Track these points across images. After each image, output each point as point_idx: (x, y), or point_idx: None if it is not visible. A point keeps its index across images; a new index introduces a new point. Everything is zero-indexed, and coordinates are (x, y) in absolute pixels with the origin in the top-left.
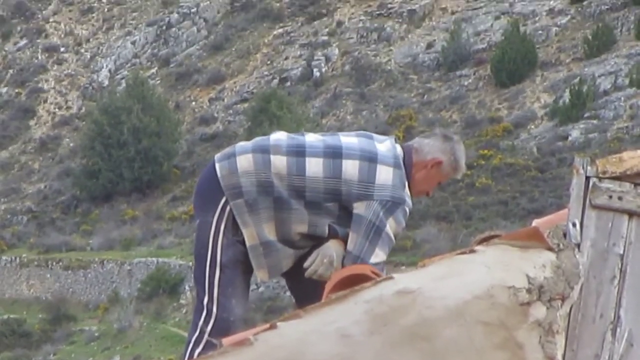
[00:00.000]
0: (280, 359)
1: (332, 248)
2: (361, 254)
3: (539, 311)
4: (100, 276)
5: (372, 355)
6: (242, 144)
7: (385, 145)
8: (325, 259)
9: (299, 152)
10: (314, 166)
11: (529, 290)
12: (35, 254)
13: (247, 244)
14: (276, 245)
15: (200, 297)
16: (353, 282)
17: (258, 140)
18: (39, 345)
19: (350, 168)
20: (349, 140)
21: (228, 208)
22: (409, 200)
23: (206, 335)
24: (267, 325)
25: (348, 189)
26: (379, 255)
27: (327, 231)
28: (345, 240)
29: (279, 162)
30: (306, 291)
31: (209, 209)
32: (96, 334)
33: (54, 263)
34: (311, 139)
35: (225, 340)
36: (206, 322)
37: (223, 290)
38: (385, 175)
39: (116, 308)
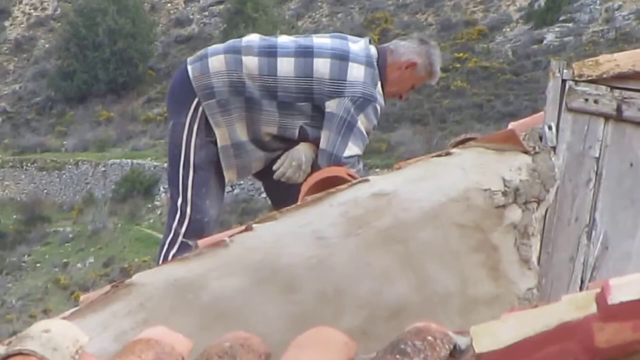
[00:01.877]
0: (255, 261)
1: (301, 151)
2: (334, 150)
3: (514, 214)
4: (75, 177)
5: (347, 257)
6: (214, 46)
7: (358, 45)
8: (293, 162)
9: (270, 52)
10: (286, 66)
11: (504, 193)
12: (10, 154)
13: (219, 144)
14: (247, 146)
15: (174, 198)
16: (329, 184)
17: (230, 42)
18: (13, 246)
19: (322, 66)
20: (321, 40)
21: (200, 109)
22: (380, 99)
23: (180, 237)
24: (243, 227)
25: (320, 87)
26: (352, 149)
27: (297, 133)
28: (316, 144)
29: (251, 62)
30: (282, 193)
31: (182, 111)
32: (70, 235)
33: (29, 164)
34: (283, 40)
35: (201, 242)
36: (180, 223)
37: (197, 191)
38: (356, 72)
39: (90, 209)
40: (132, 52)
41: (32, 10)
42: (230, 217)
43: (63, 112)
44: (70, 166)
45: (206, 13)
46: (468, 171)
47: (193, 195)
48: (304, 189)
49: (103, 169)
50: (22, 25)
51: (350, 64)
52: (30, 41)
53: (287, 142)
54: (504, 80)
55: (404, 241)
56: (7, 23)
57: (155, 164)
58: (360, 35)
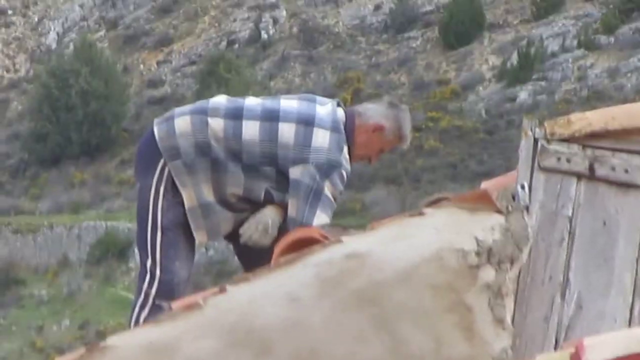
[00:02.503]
0: (229, 323)
1: (267, 215)
2: (303, 219)
3: (488, 274)
4: (50, 240)
5: (322, 318)
6: (181, 108)
7: (325, 109)
8: (260, 225)
9: (236, 115)
10: (251, 129)
11: (477, 253)
12: None
13: (186, 205)
14: (215, 207)
15: (143, 260)
16: (302, 246)
17: (197, 103)
18: None
19: (287, 131)
20: (288, 103)
21: (167, 170)
22: (346, 164)
23: (151, 299)
24: (217, 289)
25: (284, 153)
26: (321, 218)
27: (262, 196)
28: (282, 206)
29: (216, 124)
30: (252, 256)
31: (148, 173)
32: (46, 298)
33: (3, 227)
34: (251, 102)
35: (175, 304)
36: (150, 285)
37: (165, 252)
38: (321, 138)
39: (65, 272)
40: (105, 114)
41: (4, 73)
42: (205, 279)
43: (37, 174)
44: (44, 229)
45: (179, 74)
46: (441, 231)
47: (162, 257)
48: (277, 250)
49: (77, 231)
50: None
51: (315, 129)
52: (2, 103)
53: (253, 204)
54: (477, 140)
55: (378, 302)
56: None
57: (129, 225)
58: (332, 96)
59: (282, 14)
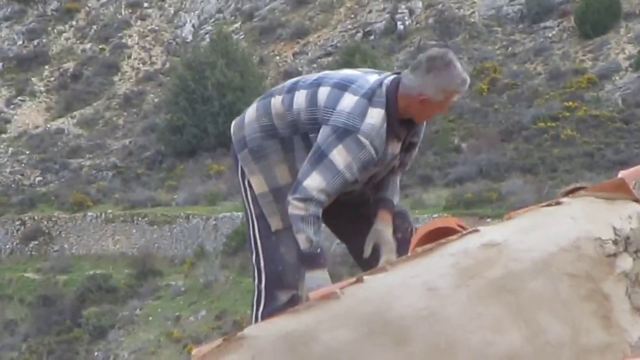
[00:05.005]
0: (366, 312)
1: (388, 234)
2: (299, 177)
3: (625, 262)
4: (186, 231)
5: (459, 308)
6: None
7: (372, 77)
8: (388, 247)
9: (293, 88)
10: (300, 98)
11: (615, 242)
12: (121, 209)
13: (256, 192)
14: (286, 190)
15: (251, 257)
16: (439, 235)
17: (267, 91)
18: (125, 300)
19: (322, 93)
20: (344, 71)
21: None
22: (368, 131)
23: (263, 293)
24: (354, 279)
25: (321, 116)
26: (314, 180)
27: None
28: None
29: (277, 102)
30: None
31: (236, 171)
32: (182, 289)
33: (140, 218)
34: (311, 75)
35: (313, 294)
36: (259, 279)
37: (265, 241)
38: (347, 102)
39: (202, 263)
40: (241, 105)
41: (140, 65)
42: (342, 269)
43: (173, 166)
44: (181, 220)
45: (315, 65)
46: (578, 220)
47: (263, 247)
48: (414, 240)
49: (214, 222)
50: (131, 80)
51: (346, 93)
52: (139, 96)
53: None
54: (614, 129)
55: (514, 291)
56: (116, 78)
57: None
58: (470, 86)
59: (418, 4)
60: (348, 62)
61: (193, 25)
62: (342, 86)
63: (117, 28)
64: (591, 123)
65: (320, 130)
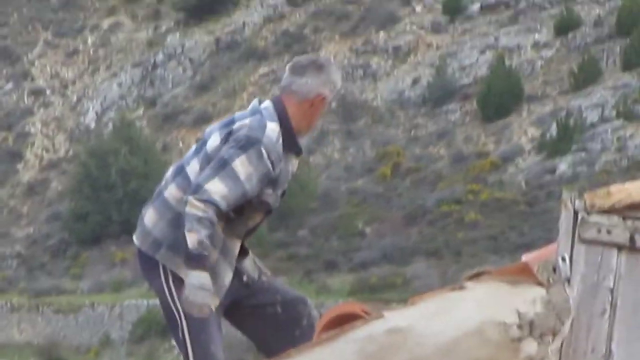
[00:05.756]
0: None
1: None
2: (199, 181)
3: (530, 347)
4: (92, 319)
5: None
6: (145, 206)
7: (245, 111)
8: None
9: (179, 170)
10: (194, 167)
11: (519, 326)
12: (26, 298)
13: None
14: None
15: (183, 357)
16: (344, 321)
17: (155, 192)
18: None
19: (214, 141)
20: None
21: (160, 263)
22: (267, 143)
23: None
24: None
25: (220, 147)
26: (216, 186)
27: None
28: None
29: (172, 190)
30: (272, 339)
31: (155, 276)
32: None
33: (45, 307)
34: (191, 150)
35: None
36: None
37: (196, 339)
38: (241, 123)
39: (107, 351)
40: (145, 192)
41: (44, 153)
42: (247, 356)
43: (77, 254)
44: (86, 308)
45: None
46: (482, 304)
47: (194, 345)
48: (319, 326)
49: (119, 310)
50: (35, 168)
51: (236, 123)
52: (43, 183)
53: (238, 234)
54: (517, 212)
55: None
56: (19, 166)
57: None
58: (372, 170)
59: None
60: None
61: (96, 112)
62: (228, 123)
63: (20, 116)
64: (495, 206)
65: (219, 145)
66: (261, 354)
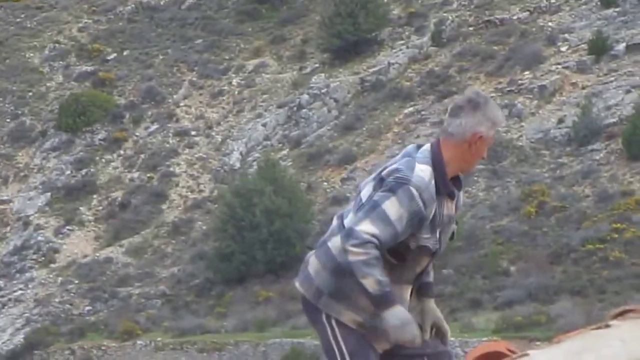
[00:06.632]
0: None
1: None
2: (351, 224)
3: None
4: (235, 358)
5: None
6: (309, 253)
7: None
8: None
9: (340, 220)
10: (351, 216)
11: None
12: (170, 337)
13: (353, 326)
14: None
15: None
16: (489, 359)
17: (319, 241)
18: None
19: (367, 189)
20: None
21: (323, 309)
22: (418, 183)
23: None
24: None
25: (371, 195)
26: (367, 227)
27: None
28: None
29: (336, 240)
30: None
31: (316, 319)
32: None
33: (189, 346)
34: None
35: None
36: None
37: None
38: (391, 165)
39: None
40: (290, 232)
41: (188, 193)
42: None
43: (222, 293)
44: (230, 347)
45: None
46: (628, 343)
47: None
48: None
49: (263, 348)
50: (179, 208)
51: (388, 166)
52: (187, 223)
53: (405, 284)
54: None
55: None
56: (164, 206)
57: (315, 342)
58: (517, 209)
59: None
60: None
61: (241, 153)
62: (379, 172)
63: (165, 156)
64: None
65: (370, 191)
66: None
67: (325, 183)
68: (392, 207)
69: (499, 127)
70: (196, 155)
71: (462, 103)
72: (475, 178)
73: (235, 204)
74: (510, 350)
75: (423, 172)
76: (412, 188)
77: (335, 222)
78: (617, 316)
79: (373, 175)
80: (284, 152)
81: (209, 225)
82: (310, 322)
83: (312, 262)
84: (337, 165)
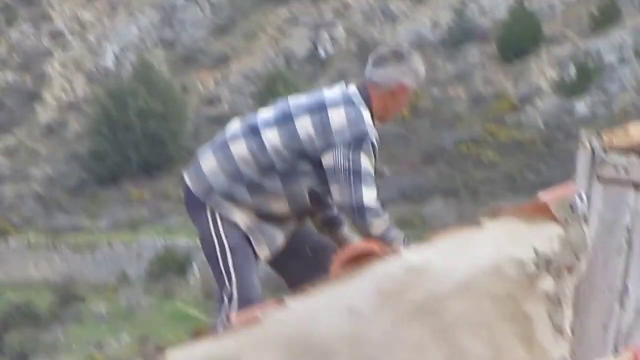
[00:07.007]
0: (289, 336)
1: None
2: (352, 201)
3: (546, 283)
4: (109, 257)
5: (381, 331)
6: (202, 147)
7: (333, 90)
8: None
9: (254, 131)
10: (271, 137)
11: (536, 263)
12: (43, 236)
13: (242, 227)
14: (264, 224)
15: (220, 291)
16: (362, 259)
17: (215, 138)
18: (48, 326)
19: (304, 126)
20: (296, 100)
21: (210, 205)
22: (371, 131)
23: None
24: (276, 303)
25: (311, 145)
26: (369, 194)
27: (306, 197)
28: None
29: (240, 147)
30: (297, 278)
31: (199, 214)
32: (105, 314)
33: (62, 245)
34: (262, 113)
35: (234, 319)
36: (230, 306)
37: (240, 271)
38: (338, 117)
39: (124, 288)
40: (163, 132)
41: (62, 94)
42: (264, 292)
43: (95, 193)
44: (103, 246)
45: (236, 92)
46: (500, 242)
47: (237, 276)
48: (336, 263)
49: (136, 248)
50: (54, 109)
51: (328, 111)
52: (61, 124)
53: (298, 213)
54: (535, 152)
55: (437, 313)
56: (38, 107)
57: (187, 241)
58: None
59: (340, 31)
60: (270, 89)
61: (115, 54)
62: (319, 108)
63: (39, 57)
64: (513, 146)
65: (330, 154)
66: (289, 289)
67: (200, 84)
68: (367, 162)
69: (421, 79)
70: (70, 57)
71: (386, 54)
72: (349, 80)
73: (109, 105)
74: (382, 249)
75: (368, 118)
76: (372, 139)
77: (238, 125)
78: (489, 216)
79: (307, 104)
80: (158, 53)
81: (83, 126)
82: (192, 216)
83: (208, 160)
84: (211, 67)
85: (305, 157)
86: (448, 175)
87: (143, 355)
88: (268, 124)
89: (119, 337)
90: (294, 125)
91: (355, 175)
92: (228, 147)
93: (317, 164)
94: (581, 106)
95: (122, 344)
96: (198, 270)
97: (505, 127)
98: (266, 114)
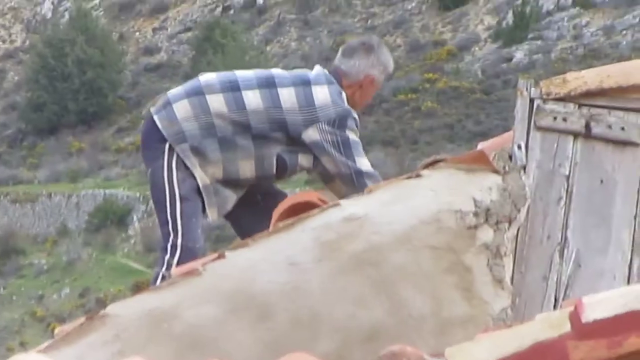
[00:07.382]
0: (229, 288)
1: None
2: (351, 170)
3: (486, 234)
4: (48, 209)
5: (321, 282)
6: (173, 92)
7: (315, 70)
8: None
9: (233, 87)
10: (252, 98)
11: (475, 214)
12: None
13: (200, 183)
14: (222, 185)
15: (165, 237)
16: (300, 210)
17: (188, 84)
18: None
19: (287, 95)
20: (279, 71)
21: (175, 151)
22: (351, 110)
23: (173, 267)
24: (216, 255)
25: (293, 118)
26: (364, 162)
27: (274, 163)
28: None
29: (217, 100)
30: (248, 224)
31: (157, 156)
32: (45, 267)
33: (2, 197)
34: (243, 73)
35: (174, 271)
36: (172, 255)
37: (187, 221)
38: (322, 95)
39: (65, 240)
40: (102, 82)
41: (0, 43)
42: (204, 244)
43: (34, 144)
44: (43, 198)
45: (174, 41)
46: (439, 192)
47: (183, 225)
48: (275, 215)
49: (76, 200)
50: None
51: (312, 87)
52: None
53: (260, 178)
54: (474, 100)
55: (377, 264)
56: None
57: (127, 193)
58: (328, 59)
59: None
60: (208, 37)
61: (52, 3)
62: (303, 82)
63: None
64: (451, 94)
65: (314, 129)
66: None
67: (138, 33)
68: (352, 135)
69: (389, 72)
70: (7, 5)
71: (356, 45)
72: (288, 28)
73: (47, 54)
74: (322, 200)
75: (345, 100)
76: (353, 115)
77: (215, 77)
78: (428, 166)
79: (292, 77)
80: (96, 1)
81: (21, 75)
82: (147, 156)
83: (183, 106)
84: (149, 15)
85: (281, 127)
86: (387, 125)
87: (84, 310)
88: (250, 85)
89: (60, 290)
90: (277, 92)
91: (345, 146)
92: (204, 97)
93: (292, 135)
94: (519, 54)
95: (63, 297)
96: (138, 222)
97: (444, 75)
98: (247, 74)
